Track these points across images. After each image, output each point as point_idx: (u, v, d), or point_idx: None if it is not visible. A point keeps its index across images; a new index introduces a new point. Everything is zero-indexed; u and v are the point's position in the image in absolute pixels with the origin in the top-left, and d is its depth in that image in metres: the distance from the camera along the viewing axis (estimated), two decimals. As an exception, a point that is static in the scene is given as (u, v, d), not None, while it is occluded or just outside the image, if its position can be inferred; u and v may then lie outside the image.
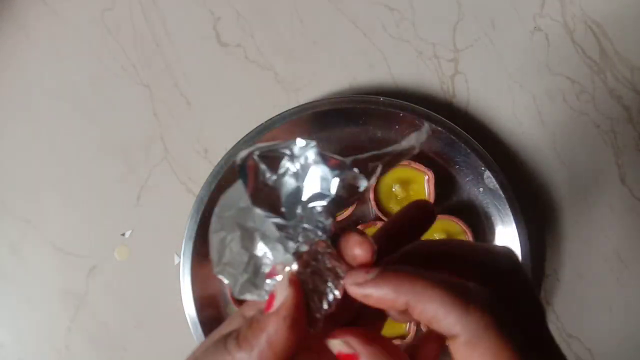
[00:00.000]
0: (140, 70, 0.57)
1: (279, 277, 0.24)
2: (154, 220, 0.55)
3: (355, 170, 0.23)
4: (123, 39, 0.57)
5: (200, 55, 0.57)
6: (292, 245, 0.24)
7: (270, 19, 0.57)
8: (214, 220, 0.25)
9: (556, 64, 0.56)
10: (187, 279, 0.52)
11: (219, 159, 0.52)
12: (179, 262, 0.52)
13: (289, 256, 0.24)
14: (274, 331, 0.22)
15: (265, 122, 0.53)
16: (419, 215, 0.27)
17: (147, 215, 0.55)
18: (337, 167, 0.23)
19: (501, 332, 0.22)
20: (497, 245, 0.27)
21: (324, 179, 0.23)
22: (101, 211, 0.55)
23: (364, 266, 0.23)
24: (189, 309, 0.52)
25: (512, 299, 0.24)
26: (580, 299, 0.55)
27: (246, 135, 0.52)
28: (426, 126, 0.25)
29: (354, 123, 0.54)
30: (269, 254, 0.24)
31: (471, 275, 0.24)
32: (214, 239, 0.25)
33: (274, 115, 0.53)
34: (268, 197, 0.24)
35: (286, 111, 0.53)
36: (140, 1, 0.57)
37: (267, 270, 0.24)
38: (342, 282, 0.24)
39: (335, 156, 0.23)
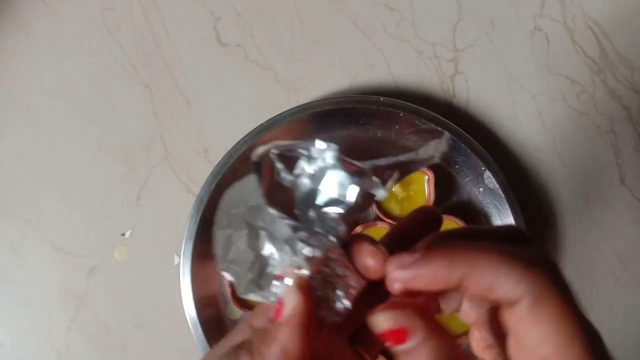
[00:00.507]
0: (140, 70, 0.57)
1: (288, 281, 0.23)
2: (154, 220, 0.55)
3: (375, 178, 0.22)
4: (123, 39, 0.57)
5: (200, 55, 0.57)
6: (306, 249, 0.23)
7: (270, 19, 0.57)
8: (220, 216, 0.24)
9: (556, 64, 0.56)
10: (187, 279, 0.52)
11: (219, 159, 0.52)
12: (179, 262, 0.52)
13: (302, 260, 0.23)
14: (286, 340, 0.21)
15: (265, 122, 0.53)
16: (426, 221, 0.27)
17: (147, 215, 0.55)
18: (356, 174, 0.22)
19: (562, 296, 0.21)
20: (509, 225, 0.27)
21: (341, 185, 0.22)
22: (101, 211, 0.55)
23: (377, 271, 0.23)
24: (189, 309, 0.52)
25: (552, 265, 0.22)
26: (580, 299, 0.55)
27: (246, 135, 0.52)
28: (447, 135, 0.24)
29: (354, 123, 0.54)
30: (276, 255, 0.23)
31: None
32: (220, 235, 0.24)
33: (274, 115, 0.53)
34: (282, 197, 0.23)
35: (286, 111, 0.53)
36: (140, 1, 0.57)
37: (273, 271, 0.24)
38: (352, 291, 0.23)
39: (355, 162, 0.22)
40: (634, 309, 0.55)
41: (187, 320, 0.52)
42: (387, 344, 0.22)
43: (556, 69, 0.56)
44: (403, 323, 0.21)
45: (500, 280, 0.20)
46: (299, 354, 0.21)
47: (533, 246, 0.22)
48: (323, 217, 0.23)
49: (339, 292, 0.23)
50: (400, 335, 0.21)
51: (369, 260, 0.23)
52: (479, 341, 0.24)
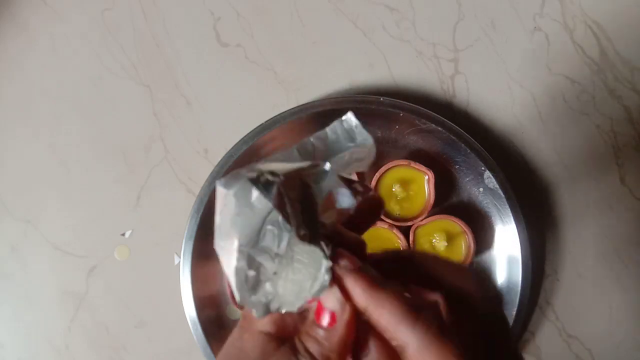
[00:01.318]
0: (140, 70, 0.57)
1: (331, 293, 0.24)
2: (154, 220, 0.55)
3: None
4: (123, 39, 0.57)
5: (200, 55, 0.57)
6: (325, 263, 0.24)
7: (270, 19, 0.57)
8: (237, 255, 0.24)
9: (556, 64, 0.56)
10: (187, 279, 0.52)
11: (219, 159, 0.52)
12: (179, 262, 0.52)
13: (326, 273, 0.24)
14: (343, 341, 0.25)
15: (265, 122, 0.53)
16: (370, 206, 0.29)
17: (147, 215, 0.55)
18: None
19: (447, 340, 0.23)
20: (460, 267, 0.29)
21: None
22: (101, 211, 0.55)
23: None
24: (189, 309, 0.52)
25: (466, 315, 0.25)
26: (580, 299, 0.55)
27: (246, 135, 0.53)
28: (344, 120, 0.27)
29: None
30: (267, 265, 0.24)
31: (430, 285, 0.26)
32: (240, 275, 0.24)
33: (274, 115, 0.53)
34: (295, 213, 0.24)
35: (286, 111, 0.53)
36: (140, 1, 0.57)
37: (264, 280, 0.24)
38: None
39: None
40: (634, 309, 0.55)
41: (187, 320, 0.52)
42: (312, 318, 0.25)
43: (556, 69, 0.56)
44: (334, 307, 0.24)
45: (392, 325, 0.24)
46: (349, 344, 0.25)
47: (433, 301, 0.25)
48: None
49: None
50: (329, 317, 0.24)
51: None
52: None
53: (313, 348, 0.25)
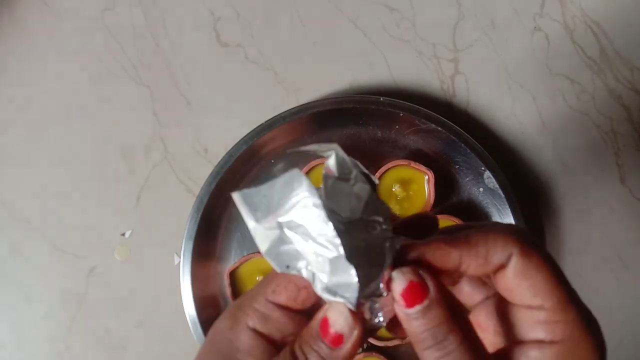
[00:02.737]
0: (140, 70, 0.57)
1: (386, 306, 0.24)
2: (154, 220, 0.55)
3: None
4: (123, 39, 0.57)
5: (200, 55, 0.57)
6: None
7: (270, 19, 0.57)
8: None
9: (556, 64, 0.56)
10: (187, 279, 0.52)
11: (219, 159, 0.52)
12: (179, 262, 0.52)
13: (354, 290, 0.23)
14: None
15: (265, 122, 0.53)
16: (423, 224, 0.28)
17: (147, 215, 0.55)
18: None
19: (542, 251, 0.24)
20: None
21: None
22: (101, 211, 0.55)
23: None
24: (189, 309, 0.52)
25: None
26: (580, 298, 0.55)
27: (246, 135, 0.53)
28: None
29: (354, 123, 0.54)
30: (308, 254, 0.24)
31: None
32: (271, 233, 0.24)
33: (274, 115, 0.53)
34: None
35: (286, 111, 0.53)
36: (140, 1, 0.57)
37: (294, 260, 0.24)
38: (387, 311, 0.24)
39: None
40: (634, 309, 0.55)
41: (187, 320, 0.52)
42: (403, 308, 0.23)
43: (556, 69, 0.56)
44: (420, 279, 0.23)
45: (490, 250, 0.24)
46: None
47: (508, 224, 0.26)
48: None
49: (377, 308, 0.24)
50: (417, 293, 0.23)
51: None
52: (479, 325, 0.27)
53: None
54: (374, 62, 0.57)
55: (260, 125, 0.53)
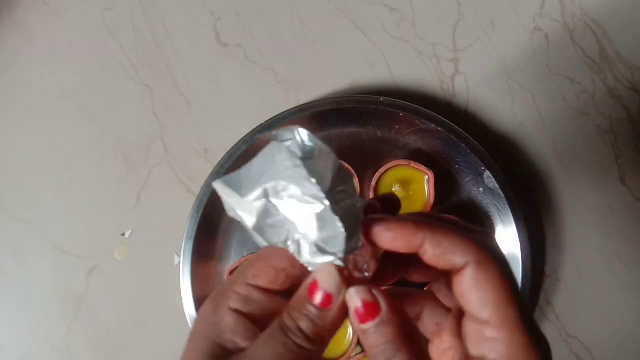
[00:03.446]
0: (140, 70, 0.57)
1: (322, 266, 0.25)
2: (154, 220, 0.55)
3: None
4: (123, 39, 0.57)
5: (200, 55, 0.57)
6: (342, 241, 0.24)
7: (270, 19, 0.57)
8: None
9: (556, 64, 0.56)
10: (187, 279, 0.52)
11: (219, 159, 0.52)
12: (179, 262, 0.52)
13: (340, 248, 0.24)
14: (336, 323, 0.25)
15: (265, 122, 0.53)
16: (388, 203, 0.30)
17: (147, 215, 0.55)
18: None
19: (501, 268, 0.24)
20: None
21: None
22: (101, 211, 0.55)
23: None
24: (189, 309, 0.52)
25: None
26: (580, 299, 0.55)
27: (246, 135, 0.52)
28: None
29: (354, 123, 0.54)
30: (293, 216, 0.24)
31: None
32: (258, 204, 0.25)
33: (274, 115, 0.53)
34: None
35: (286, 111, 0.53)
36: (140, 1, 0.57)
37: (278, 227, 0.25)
38: (371, 263, 0.25)
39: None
40: (634, 309, 0.55)
41: (187, 320, 0.52)
42: (357, 324, 0.25)
43: (556, 69, 0.56)
44: (372, 299, 0.24)
45: (451, 248, 0.24)
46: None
47: (479, 234, 0.26)
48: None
49: (360, 262, 0.26)
50: (369, 311, 0.24)
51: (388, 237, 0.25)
52: (438, 347, 0.27)
53: (305, 326, 0.24)
54: (374, 62, 0.57)
55: (260, 125, 0.53)
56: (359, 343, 0.52)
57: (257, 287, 0.26)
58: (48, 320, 0.55)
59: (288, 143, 0.24)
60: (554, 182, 0.56)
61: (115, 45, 0.57)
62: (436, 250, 0.24)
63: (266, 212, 0.24)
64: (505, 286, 0.24)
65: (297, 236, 0.24)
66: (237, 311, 0.26)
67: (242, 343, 0.25)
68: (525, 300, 0.25)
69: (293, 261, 0.26)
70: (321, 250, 0.24)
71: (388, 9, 0.57)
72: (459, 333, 0.26)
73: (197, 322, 0.27)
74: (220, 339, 0.26)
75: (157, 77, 0.56)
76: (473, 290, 0.24)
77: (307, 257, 0.24)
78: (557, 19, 0.57)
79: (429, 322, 0.29)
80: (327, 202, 0.23)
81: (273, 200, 0.24)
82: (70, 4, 0.57)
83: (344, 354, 0.51)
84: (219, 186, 0.25)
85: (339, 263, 0.24)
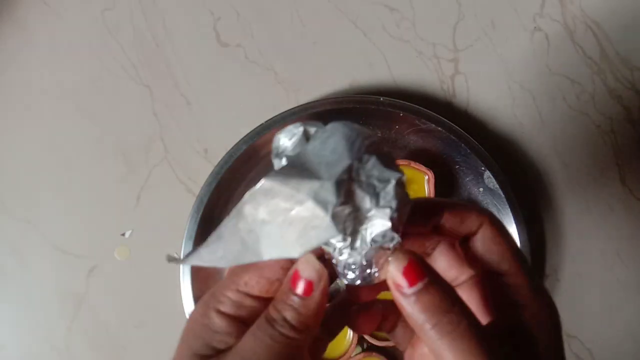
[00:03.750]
0: (140, 70, 0.57)
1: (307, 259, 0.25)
2: (154, 220, 0.55)
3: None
4: (123, 39, 0.57)
5: (200, 55, 0.57)
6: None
7: (270, 19, 0.57)
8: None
9: (556, 64, 0.56)
10: (187, 279, 0.52)
11: (219, 159, 0.52)
12: (179, 262, 0.52)
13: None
14: (320, 309, 0.25)
15: (265, 122, 0.53)
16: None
17: (147, 215, 0.55)
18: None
19: (510, 235, 0.28)
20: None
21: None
22: (101, 211, 0.55)
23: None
24: (189, 309, 0.52)
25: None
26: (580, 299, 0.55)
27: (246, 135, 0.52)
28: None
29: (354, 123, 0.54)
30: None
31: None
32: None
33: (274, 115, 0.53)
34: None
35: (286, 111, 0.53)
36: (140, 1, 0.57)
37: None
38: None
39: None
40: (634, 309, 0.55)
41: (187, 320, 0.52)
42: (405, 288, 0.24)
43: (556, 69, 0.56)
44: (417, 258, 0.25)
45: (466, 214, 0.27)
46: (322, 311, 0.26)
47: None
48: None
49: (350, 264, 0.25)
50: (417, 272, 0.24)
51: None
52: (416, 353, 0.29)
53: (290, 316, 0.25)
54: (374, 62, 0.57)
55: (260, 125, 0.53)
56: (359, 343, 0.52)
57: (249, 295, 0.27)
58: (48, 320, 0.55)
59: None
60: (554, 182, 0.56)
61: (115, 45, 0.57)
62: (455, 219, 0.27)
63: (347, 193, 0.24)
64: (513, 240, 0.28)
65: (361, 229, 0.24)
66: (228, 315, 0.26)
67: (233, 341, 0.26)
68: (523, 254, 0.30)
69: (288, 270, 0.26)
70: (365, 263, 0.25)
71: (388, 9, 0.57)
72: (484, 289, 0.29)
73: (188, 324, 0.27)
74: (211, 339, 0.26)
75: (157, 77, 0.56)
76: (492, 246, 0.27)
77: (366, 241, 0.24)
78: (557, 19, 0.57)
79: (402, 332, 0.31)
80: (388, 224, 0.24)
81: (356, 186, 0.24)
82: (70, 4, 0.57)
83: (344, 354, 0.51)
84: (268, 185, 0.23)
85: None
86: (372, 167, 0.24)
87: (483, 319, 0.28)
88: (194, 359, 0.26)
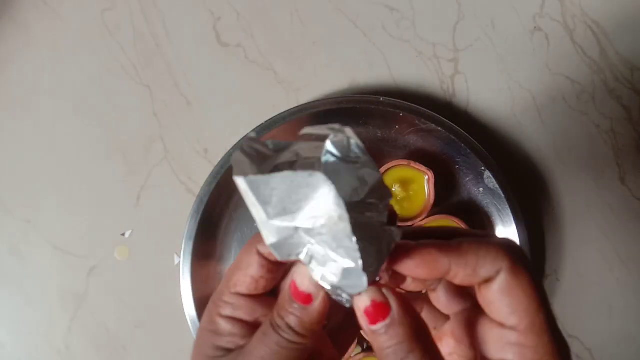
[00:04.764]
0: (140, 70, 0.57)
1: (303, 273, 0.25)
2: (154, 220, 0.55)
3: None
4: (123, 39, 0.57)
5: (200, 55, 0.57)
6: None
7: (270, 19, 0.57)
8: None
9: (556, 64, 0.56)
10: (187, 279, 0.52)
11: (219, 159, 0.52)
12: (179, 262, 0.52)
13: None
14: (322, 314, 0.25)
15: (265, 122, 0.53)
16: None
17: (147, 215, 0.55)
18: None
19: (531, 271, 0.24)
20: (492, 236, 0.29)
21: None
22: (101, 211, 0.55)
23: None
24: (189, 309, 0.52)
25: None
26: (580, 299, 0.55)
27: (246, 135, 0.52)
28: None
29: (354, 123, 0.54)
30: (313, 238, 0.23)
31: None
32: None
33: (274, 115, 0.53)
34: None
35: (286, 111, 0.53)
36: (140, 1, 0.57)
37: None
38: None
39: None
40: (634, 309, 0.55)
41: (187, 320, 0.52)
42: (366, 324, 0.24)
43: (556, 69, 0.56)
44: (382, 298, 0.24)
45: (480, 261, 0.24)
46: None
47: (501, 238, 0.26)
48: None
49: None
50: (379, 311, 0.24)
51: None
52: (450, 346, 0.28)
53: (293, 322, 0.25)
54: (374, 62, 0.57)
55: (260, 125, 0.53)
56: (359, 343, 0.52)
57: (241, 295, 0.27)
58: (48, 320, 0.55)
59: (333, 144, 0.22)
60: (554, 182, 0.56)
61: (115, 45, 0.57)
62: (467, 271, 0.24)
63: (289, 237, 0.24)
64: (536, 292, 0.24)
65: (309, 251, 0.24)
66: (229, 317, 0.27)
67: (241, 341, 0.27)
68: (551, 306, 0.26)
69: (269, 267, 0.27)
70: (335, 289, 0.24)
71: (388, 9, 0.57)
72: (461, 338, 0.27)
73: (197, 334, 0.29)
74: (220, 342, 0.27)
75: (157, 77, 0.56)
76: (503, 297, 0.24)
77: (318, 277, 0.24)
78: (557, 19, 0.57)
79: (444, 300, 0.29)
80: (360, 263, 0.22)
81: (303, 235, 0.23)
82: (70, 4, 0.57)
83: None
84: (243, 186, 0.22)
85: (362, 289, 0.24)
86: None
87: (473, 354, 0.27)
88: None
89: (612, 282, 0.55)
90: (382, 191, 0.23)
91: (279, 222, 0.23)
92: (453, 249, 0.24)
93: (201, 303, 0.52)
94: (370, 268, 0.23)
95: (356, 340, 0.51)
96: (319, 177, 0.21)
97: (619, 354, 0.55)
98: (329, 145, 0.22)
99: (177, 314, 0.52)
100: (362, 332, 0.50)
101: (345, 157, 0.22)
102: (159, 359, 0.55)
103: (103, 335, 0.55)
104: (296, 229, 0.23)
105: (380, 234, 0.24)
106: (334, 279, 0.24)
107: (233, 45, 0.57)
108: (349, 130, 0.23)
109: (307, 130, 0.24)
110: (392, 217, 0.27)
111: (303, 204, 0.22)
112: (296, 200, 0.22)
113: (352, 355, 0.51)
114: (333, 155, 0.22)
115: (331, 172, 0.22)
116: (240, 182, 0.22)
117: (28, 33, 0.57)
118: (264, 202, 0.22)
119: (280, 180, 0.22)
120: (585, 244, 0.55)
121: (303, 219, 0.23)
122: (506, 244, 0.25)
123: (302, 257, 0.24)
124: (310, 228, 0.23)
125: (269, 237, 0.24)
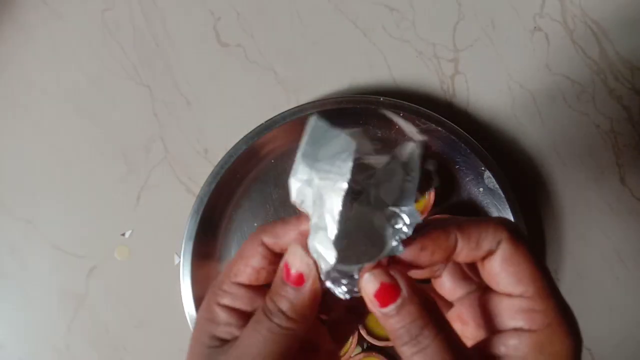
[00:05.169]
0: (140, 70, 0.57)
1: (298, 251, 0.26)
2: (154, 220, 0.55)
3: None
4: (123, 39, 0.57)
5: (200, 55, 0.57)
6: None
7: (270, 19, 0.57)
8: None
9: (556, 64, 0.56)
10: (187, 279, 0.52)
11: (219, 159, 0.52)
12: (179, 262, 0.52)
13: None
14: (314, 298, 0.26)
15: (265, 122, 0.53)
16: None
17: (147, 215, 0.55)
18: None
19: (528, 243, 0.25)
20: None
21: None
22: (101, 211, 0.55)
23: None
24: (189, 309, 0.52)
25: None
26: (580, 298, 0.55)
27: (246, 135, 0.53)
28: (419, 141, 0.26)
29: (354, 123, 0.54)
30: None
31: None
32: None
33: (274, 115, 0.53)
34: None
35: (286, 111, 0.53)
36: (140, 1, 0.57)
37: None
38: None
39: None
40: (634, 309, 0.55)
41: (187, 320, 0.52)
42: (377, 308, 0.25)
43: (556, 69, 0.56)
44: (391, 280, 0.24)
45: (482, 235, 0.25)
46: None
47: (497, 217, 0.28)
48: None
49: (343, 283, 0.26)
50: (389, 293, 0.24)
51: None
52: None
53: (285, 307, 0.26)
54: (374, 62, 0.57)
55: (260, 125, 0.53)
56: (359, 343, 0.52)
57: (241, 285, 0.28)
58: (48, 320, 0.55)
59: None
60: (554, 182, 0.56)
61: (115, 45, 0.57)
62: (471, 245, 0.25)
63: (309, 183, 0.25)
64: (535, 260, 0.25)
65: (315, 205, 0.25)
66: (227, 307, 0.28)
67: (237, 332, 0.27)
68: (550, 273, 0.27)
69: (270, 259, 0.27)
70: (335, 274, 0.25)
71: (388, 9, 0.57)
72: (467, 320, 0.28)
73: (196, 322, 0.29)
74: (217, 332, 0.27)
75: (157, 77, 0.56)
76: (508, 267, 0.25)
77: (313, 247, 0.25)
78: (557, 19, 0.57)
79: (449, 286, 0.30)
80: (337, 229, 0.24)
81: (316, 185, 0.25)
82: (70, 4, 0.57)
83: (344, 354, 0.51)
84: (311, 124, 0.24)
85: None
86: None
87: (481, 333, 0.27)
88: (202, 349, 0.27)
89: (612, 282, 0.55)
90: (410, 213, 0.25)
91: (304, 175, 0.24)
92: (456, 227, 0.25)
93: (201, 303, 0.52)
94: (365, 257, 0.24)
95: (356, 341, 0.51)
96: (354, 138, 0.24)
97: (619, 354, 0.55)
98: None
99: (177, 314, 0.52)
100: (361, 331, 0.50)
101: (405, 167, 0.24)
102: (159, 358, 0.55)
103: (103, 335, 0.55)
104: (311, 181, 0.24)
105: (380, 234, 0.25)
106: (322, 249, 0.24)
107: (233, 45, 0.57)
108: (358, 131, 0.24)
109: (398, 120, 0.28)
110: (427, 181, 0.28)
111: (336, 165, 0.24)
112: (334, 162, 0.24)
113: (352, 356, 0.51)
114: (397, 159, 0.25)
115: (385, 174, 0.24)
116: (312, 120, 0.24)
117: (28, 33, 0.57)
118: (314, 154, 0.24)
119: (335, 136, 0.24)
120: (585, 244, 0.55)
121: (318, 179, 0.24)
122: (502, 220, 0.26)
123: (309, 208, 0.25)
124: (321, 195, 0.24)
125: (298, 174, 0.25)
